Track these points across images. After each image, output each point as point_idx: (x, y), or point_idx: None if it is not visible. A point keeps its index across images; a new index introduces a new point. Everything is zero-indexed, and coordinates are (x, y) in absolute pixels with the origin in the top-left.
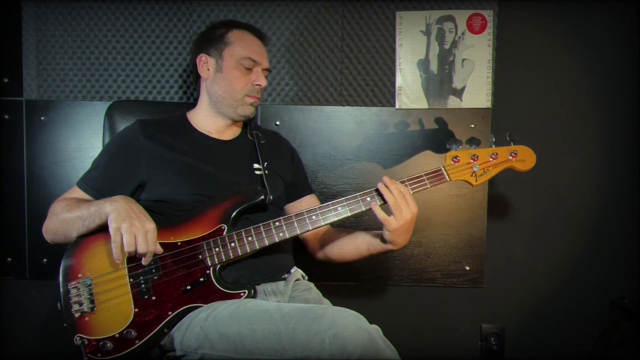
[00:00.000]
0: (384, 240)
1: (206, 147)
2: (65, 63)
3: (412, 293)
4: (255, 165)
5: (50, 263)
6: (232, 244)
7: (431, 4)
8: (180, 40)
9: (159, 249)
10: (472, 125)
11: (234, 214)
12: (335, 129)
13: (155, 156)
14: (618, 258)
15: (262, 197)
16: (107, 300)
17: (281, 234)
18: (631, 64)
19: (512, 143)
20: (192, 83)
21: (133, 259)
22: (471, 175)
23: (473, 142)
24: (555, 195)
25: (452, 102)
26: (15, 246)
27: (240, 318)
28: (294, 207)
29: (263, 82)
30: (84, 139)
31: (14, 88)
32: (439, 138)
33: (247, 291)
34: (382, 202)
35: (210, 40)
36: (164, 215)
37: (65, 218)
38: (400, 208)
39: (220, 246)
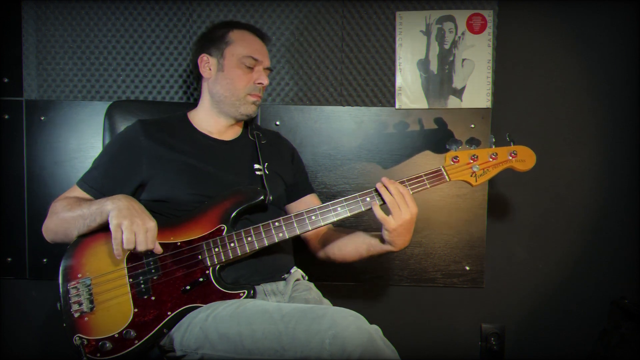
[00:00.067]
0: (383, 241)
1: (207, 147)
2: (65, 63)
3: (412, 293)
4: (256, 166)
5: (50, 263)
6: (232, 244)
7: (431, 4)
8: (181, 40)
9: (159, 249)
10: (472, 126)
11: (233, 214)
12: (335, 129)
13: (156, 156)
14: (618, 258)
15: (262, 197)
16: (106, 301)
17: (280, 235)
18: (631, 64)
19: (512, 143)
20: (192, 83)
21: (133, 259)
22: (471, 176)
23: (473, 142)
24: (555, 195)
25: (452, 102)
26: (15, 246)
27: (240, 318)
28: (294, 206)
29: (265, 81)
30: (84, 139)
31: (14, 88)
32: (439, 138)
33: (246, 291)
34: (382, 202)
35: (212, 40)
36: (164, 215)
37: (65, 217)
38: (399, 208)
39: (220, 246)
